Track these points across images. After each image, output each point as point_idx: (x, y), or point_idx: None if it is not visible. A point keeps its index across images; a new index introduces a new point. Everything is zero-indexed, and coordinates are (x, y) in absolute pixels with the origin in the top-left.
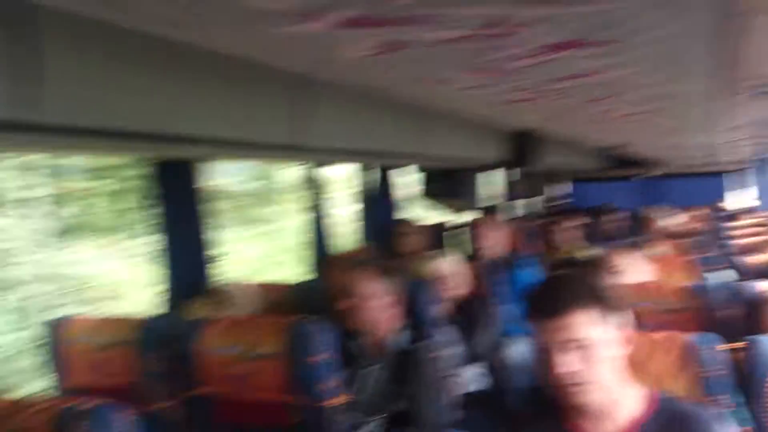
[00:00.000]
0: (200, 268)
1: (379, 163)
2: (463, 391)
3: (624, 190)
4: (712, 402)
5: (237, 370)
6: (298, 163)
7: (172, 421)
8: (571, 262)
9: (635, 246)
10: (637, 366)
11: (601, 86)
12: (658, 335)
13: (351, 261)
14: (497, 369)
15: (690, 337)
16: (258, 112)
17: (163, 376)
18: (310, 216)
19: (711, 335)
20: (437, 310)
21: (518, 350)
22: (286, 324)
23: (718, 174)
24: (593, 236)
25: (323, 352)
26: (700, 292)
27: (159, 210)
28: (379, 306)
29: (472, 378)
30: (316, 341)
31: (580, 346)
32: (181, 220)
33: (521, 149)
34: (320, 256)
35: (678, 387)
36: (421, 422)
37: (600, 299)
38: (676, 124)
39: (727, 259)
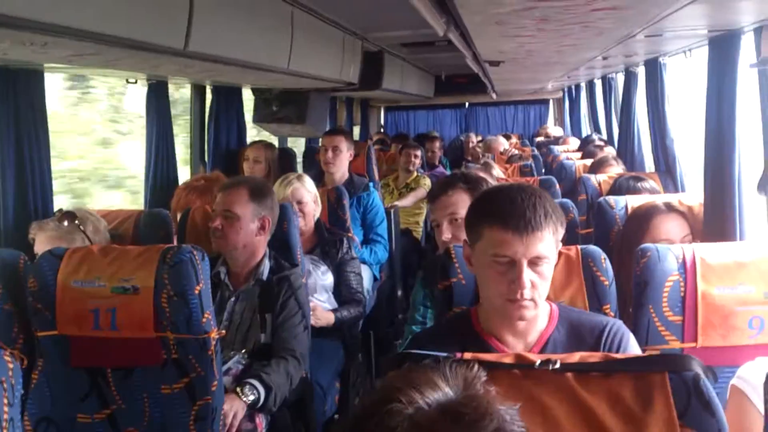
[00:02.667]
0: (42, 192)
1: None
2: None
3: (438, 118)
4: (597, 310)
5: (99, 306)
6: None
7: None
8: (466, 179)
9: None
10: None
11: None
12: None
13: (207, 184)
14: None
15: (577, 249)
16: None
17: (7, 314)
18: (150, 139)
19: (595, 247)
20: (297, 235)
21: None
22: (158, 252)
23: (543, 101)
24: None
25: (200, 281)
26: (566, 208)
27: None
28: (249, 229)
29: (331, 305)
30: (193, 270)
31: (543, 264)
32: (21, 136)
33: (368, 72)
34: (164, 182)
35: (566, 297)
36: (283, 351)
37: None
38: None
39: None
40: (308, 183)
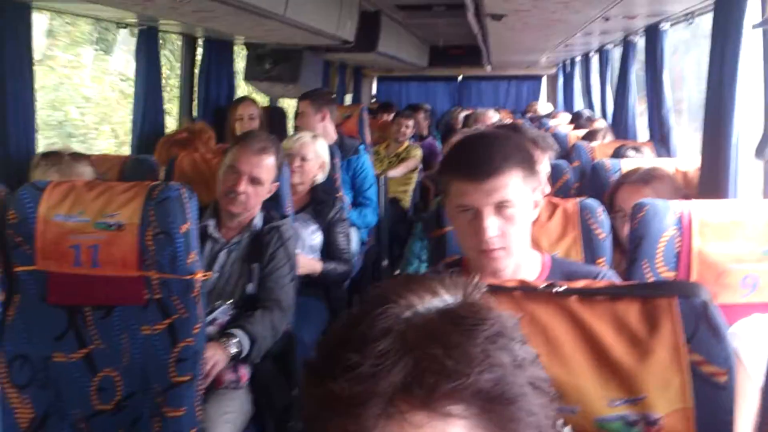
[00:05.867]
0: (25, 130)
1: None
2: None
3: (431, 90)
4: (592, 263)
5: (81, 241)
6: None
7: None
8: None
9: None
10: None
11: None
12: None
13: (190, 137)
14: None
15: (575, 202)
16: None
17: None
18: (139, 87)
19: (593, 200)
20: (288, 189)
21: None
22: (146, 189)
23: (536, 77)
24: None
25: (187, 220)
26: (561, 169)
27: None
28: (266, 194)
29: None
30: (180, 208)
31: (509, 209)
32: (5, 72)
33: (365, 32)
34: (151, 132)
35: (561, 249)
36: (268, 301)
37: (525, 161)
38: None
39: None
40: (320, 146)
